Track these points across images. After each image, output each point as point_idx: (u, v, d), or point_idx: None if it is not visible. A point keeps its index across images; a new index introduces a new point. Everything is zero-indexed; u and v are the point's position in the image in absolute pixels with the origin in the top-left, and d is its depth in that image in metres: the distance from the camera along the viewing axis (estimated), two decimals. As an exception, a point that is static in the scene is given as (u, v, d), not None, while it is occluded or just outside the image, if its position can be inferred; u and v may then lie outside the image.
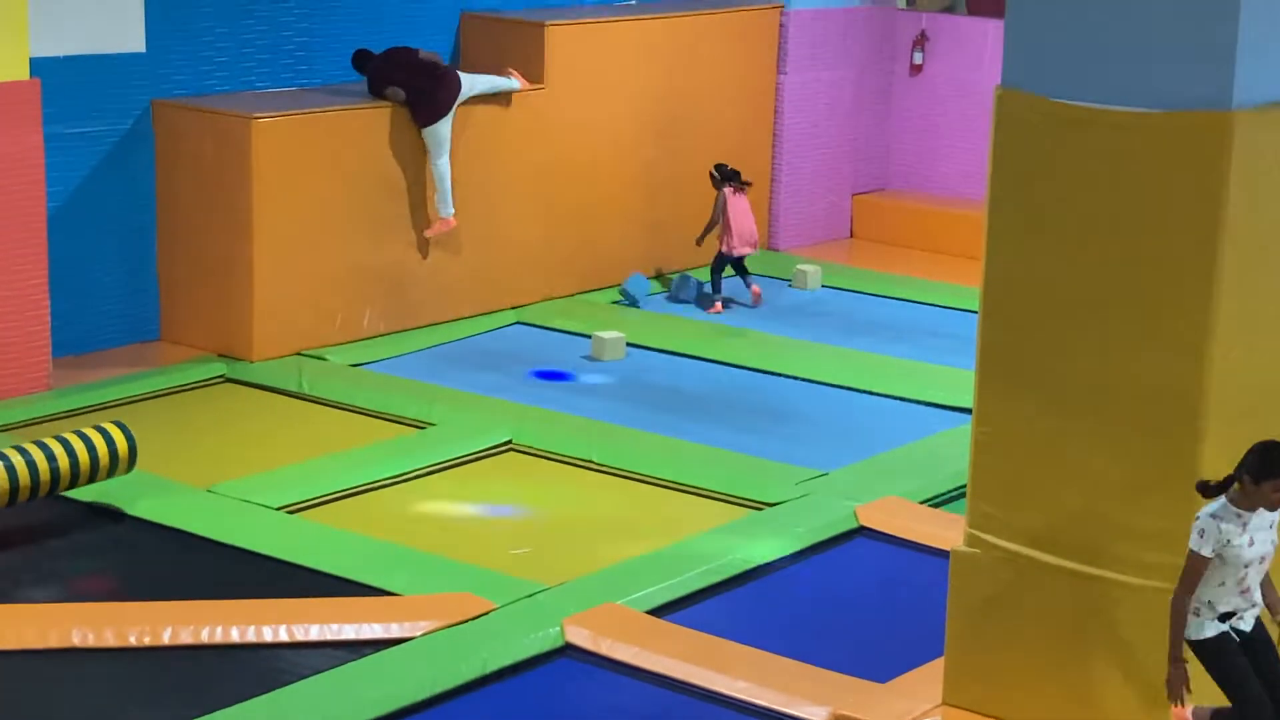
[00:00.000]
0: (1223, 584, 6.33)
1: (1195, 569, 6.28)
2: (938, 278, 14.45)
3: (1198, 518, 6.29)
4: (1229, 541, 6.24)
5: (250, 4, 12.40)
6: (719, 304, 13.52)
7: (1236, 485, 6.26)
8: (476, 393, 11.36)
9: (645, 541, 9.16)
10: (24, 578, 8.66)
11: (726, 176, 13.55)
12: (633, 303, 13.56)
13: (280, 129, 11.80)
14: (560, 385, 11.72)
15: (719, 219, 13.53)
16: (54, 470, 8.89)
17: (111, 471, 9.16)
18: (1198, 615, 6.35)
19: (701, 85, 14.51)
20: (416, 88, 12.36)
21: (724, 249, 13.53)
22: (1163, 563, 6.65)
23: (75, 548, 9.12)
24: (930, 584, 8.25)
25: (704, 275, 13.81)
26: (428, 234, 12.59)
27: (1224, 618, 6.36)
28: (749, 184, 13.68)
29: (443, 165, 12.44)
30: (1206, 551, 6.24)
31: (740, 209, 13.52)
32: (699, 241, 13.69)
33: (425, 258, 12.70)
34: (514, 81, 12.97)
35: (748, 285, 13.65)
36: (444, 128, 12.42)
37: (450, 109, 12.42)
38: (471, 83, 12.66)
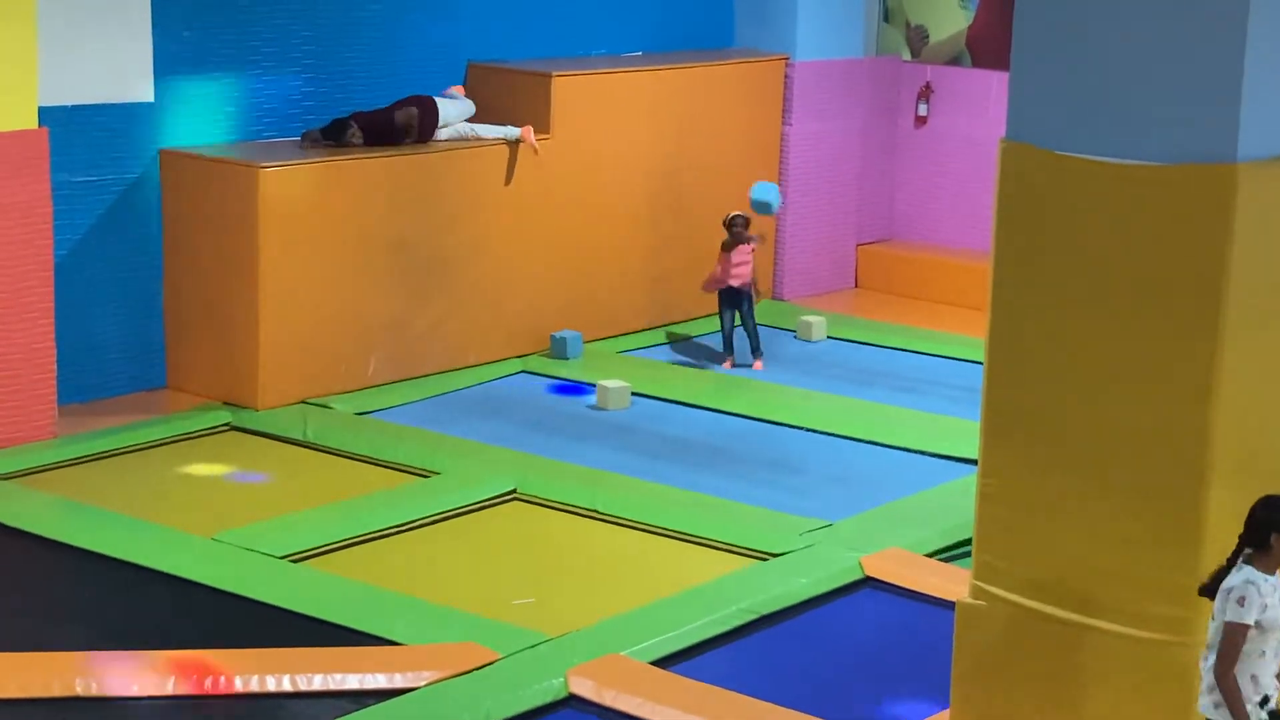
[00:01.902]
0: (1263, 654, 6.05)
1: (1236, 642, 5.96)
2: (942, 328, 14.46)
3: (1230, 588, 6.00)
4: (1267, 606, 5.98)
5: (257, 54, 12.46)
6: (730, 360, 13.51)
7: (1250, 551, 6.04)
8: (481, 441, 11.36)
9: (649, 592, 9.14)
10: (27, 626, 8.65)
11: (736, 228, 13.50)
12: (765, 210, 13.40)
13: (286, 178, 11.84)
14: (574, 408, 11.72)
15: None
16: None
17: None
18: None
19: (707, 136, 14.56)
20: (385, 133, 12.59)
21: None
22: (1168, 615, 6.63)
23: (78, 596, 9.11)
24: (935, 635, 8.23)
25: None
26: (525, 135, 12.90)
27: (1263, 702, 6.05)
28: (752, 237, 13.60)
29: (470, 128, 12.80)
30: (1250, 619, 5.95)
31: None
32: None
33: (430, 306, 12.72)
34: (512, 130, 13.03)
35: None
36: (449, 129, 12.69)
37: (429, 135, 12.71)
38: (457, 118, 12.84)
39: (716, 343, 13.80)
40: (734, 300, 13.44)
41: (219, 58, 12.25)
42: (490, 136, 12.99)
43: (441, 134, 12.85)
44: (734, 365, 13.42)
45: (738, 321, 13.53)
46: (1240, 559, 6.10)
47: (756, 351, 13.46)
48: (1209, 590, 6.14)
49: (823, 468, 11.29)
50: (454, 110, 12.96)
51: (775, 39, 15.24)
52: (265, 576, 9.15)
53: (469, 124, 12.96)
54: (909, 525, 10.03)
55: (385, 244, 12.42)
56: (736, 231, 13.44)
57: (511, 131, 13.08)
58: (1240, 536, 6.11)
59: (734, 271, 13.37)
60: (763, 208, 13.54)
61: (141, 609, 8.92)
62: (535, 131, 13.18)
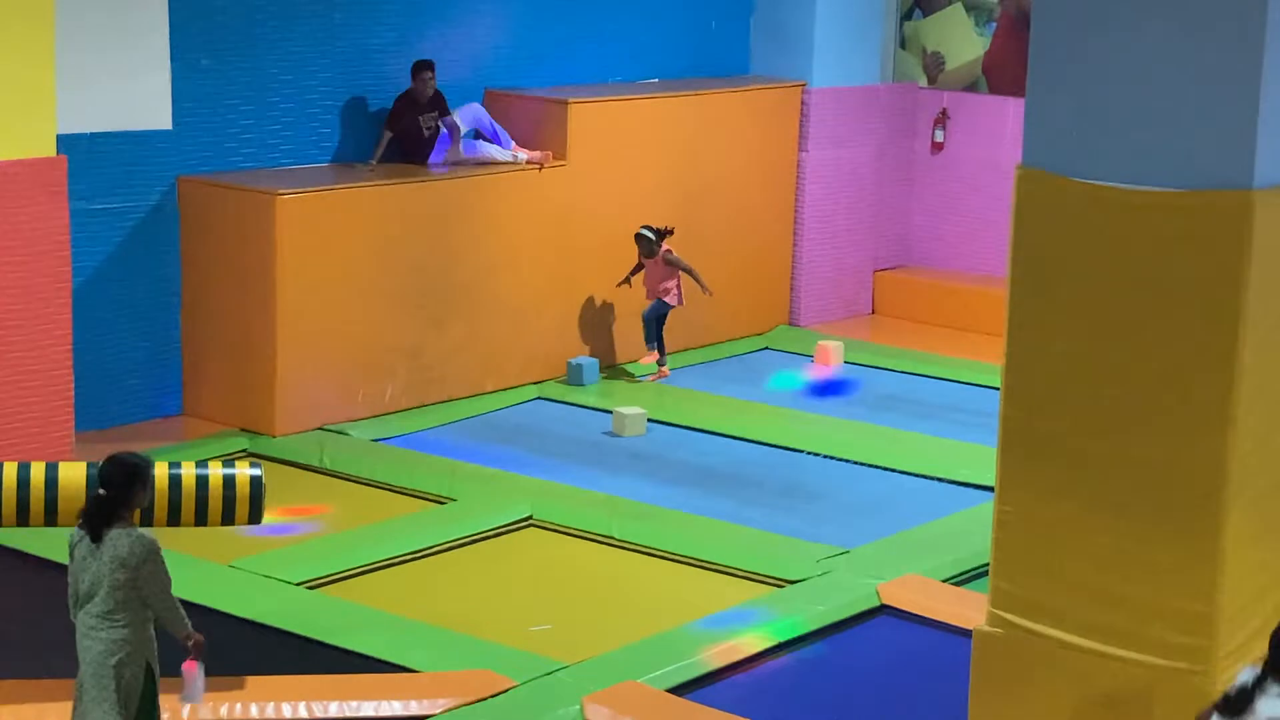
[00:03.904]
0: None
1: None
2: (959, 354, 14.45)
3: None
4: None
5: (275, 82, 12.50)
6: (661, 362, 13.51)
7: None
8: (497, 468, 11.36)
9: (666, 619, 9.12)
10: (39, 654, 8.65)
11: (661, 235, 13.49)
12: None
13: (304, 205, 11.87)
14: (590, 435, 11.71)
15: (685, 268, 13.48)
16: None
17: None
18: None
19: (723, 162, 14.58)
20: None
21: (676, 302, 13.51)
22: (1186, 644, 6.61)
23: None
24: (953, 663, 8.20)
25: (733, 349, 13.69)
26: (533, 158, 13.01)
27: None
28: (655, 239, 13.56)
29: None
30: None
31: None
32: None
33: (446, 333, 12.74)
34: (520, 154, 13.10)
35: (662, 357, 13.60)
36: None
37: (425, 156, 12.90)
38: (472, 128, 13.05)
39: (731, 366, 13.81)
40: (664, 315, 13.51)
41: (237, 85, 12.29)
42: (501, 158, 13.03)
43: (454, 153, 12.92)
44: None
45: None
46: (1271, 680, 5.79)
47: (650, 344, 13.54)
48: (1237, 704, 5.81)
49: (839, 494, 11.27)
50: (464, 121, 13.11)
51: (791, 66, 15.26)
52: (281, 603, 9.15)
53: (481, 142, 13.06)
54: (926, 552, 10.00)
55: (402, 270, 12.44)
56: (650, 247, 13.41)
57: (520, 155, 13.12)
58: (1265, 662, 5.81)
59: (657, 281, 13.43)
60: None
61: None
62: (552, 157, 13.25)
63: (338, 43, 12.79)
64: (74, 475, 8.21)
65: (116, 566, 6.60)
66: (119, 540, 6.61)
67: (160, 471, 8.21)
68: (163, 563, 6.73)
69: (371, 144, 12.93)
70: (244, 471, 8.39)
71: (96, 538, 6.64)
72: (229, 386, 12.03)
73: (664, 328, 13.62)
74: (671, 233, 13.55)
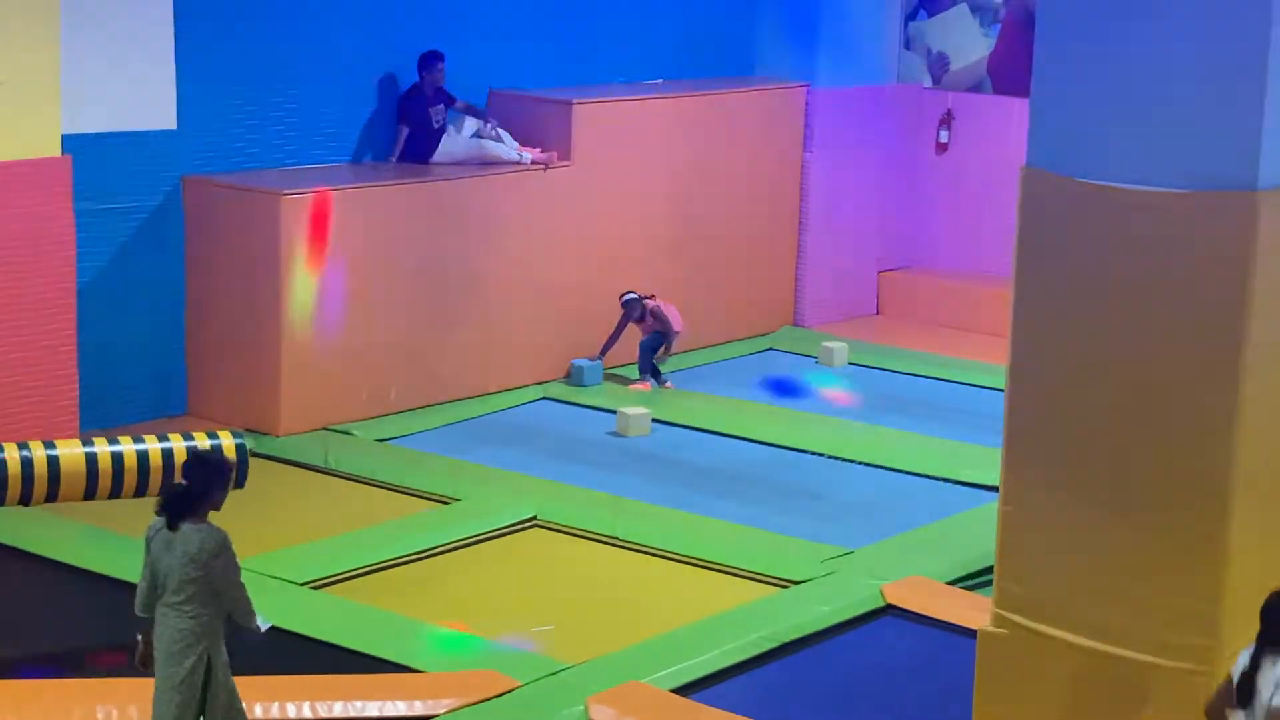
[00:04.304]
0: None
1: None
2: (964, 355, 14.44)
3: None
4: None
5: (279, 82, 12.51)
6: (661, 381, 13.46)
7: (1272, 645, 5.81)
8: (502, 468, 11.36)
9: (670, 619, 9.12)
10: (47, 653, 8.66)
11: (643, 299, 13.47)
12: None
13: (308, 205, 11.87)
14: (594, 435, 11.71)
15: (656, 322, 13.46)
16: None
17: None
18: None
19: (727, 163, 14.58)
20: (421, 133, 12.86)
21: (679, 328, 13.48)
22: (1191, 644, 6.60)
23: (97, 622, 9.11)
24: (957, 664, 8.19)
25: (730, 351, 13.69)
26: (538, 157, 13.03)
27: None
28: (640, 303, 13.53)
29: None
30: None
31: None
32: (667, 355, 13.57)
33: (451, 333, 12.74)
34: (523, 154, 13.11)
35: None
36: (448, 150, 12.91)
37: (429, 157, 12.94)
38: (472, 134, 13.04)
39: (730, 369, 13.80)
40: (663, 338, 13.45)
41: (241, 85, 12.29)
42: (504, 155, 13.03)
43: (458, 144, 12.92)
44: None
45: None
46: (1266, 653, 5.84)
47: (643, 373, 13.42)
48: (1242, 691, 5.82)
49: (844, 495, 11.27)
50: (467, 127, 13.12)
51: (796, 67, 15.26)
52: (286, 603, 9.14)
53: (482, 137, 13.07)
54: (930, 553, 10.00)
55: (407, 271, 12.44)
56: (637, 313, 13.39)
57: (526, 155, 13.12)
58: (1260, 635, 5.87)
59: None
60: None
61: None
62: (557, 158, 13.26)
63: (342, 42, 12.80)
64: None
65: (187, 562, 6.72)
66: (190, 537, 6.73)
67: (152, 445, 9.00)
68: (234, 556, 6.83)
69: (376, 142, 12.92)
70: (229, 441, 9.56)
71: (173, 527, 6.75)
72: (233, 386, 12.03)
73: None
74: (652, 297, 13.53)
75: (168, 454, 9.32)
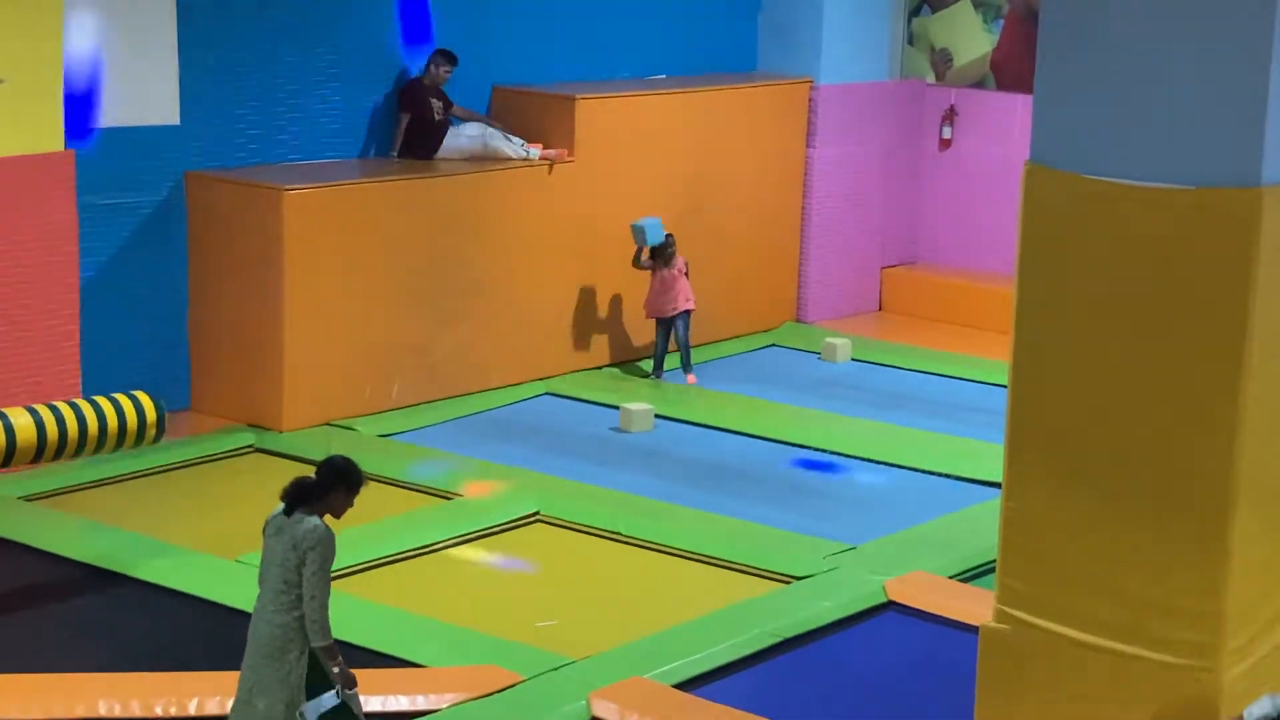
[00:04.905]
0: None
1: None
2: (967, 351, 14.44)
3: None
4: None
5: (282, 77, 12.51)
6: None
7: None
8: (504, 464, 11.37)
9: (672, 615, 9.13)
10: (51, 648, 8.67)
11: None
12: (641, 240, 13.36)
13: (312, 201, 11.88)
14: (597, 431, 11.71)
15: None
16: (82, 429, 9.11)
17: (139, 438, 9.36)
18: None
19: (731, 159, 14.58)
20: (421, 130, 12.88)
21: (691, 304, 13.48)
22: (1193, 640, 6.60)
23: (100, 617, 9.12)
24: (959, 660, 8.20)
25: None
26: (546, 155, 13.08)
27: None
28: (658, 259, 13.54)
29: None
30: None
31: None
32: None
33: (454, 329, 12.75)
34: (530, 150, 13.11)
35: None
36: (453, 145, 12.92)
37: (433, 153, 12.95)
38: (481, 133, 13.01)
39: (732, 365, 13.80)
40: (671, 320, 13.39)
41: (244, 81, 12.30)
42: (511, 152, 13.03)
43: (462, 141, 12.93)
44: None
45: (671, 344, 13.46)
46: None
47: (689, 367, 13.40)
48: None
49: (846, 491, 11.27)
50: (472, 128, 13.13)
51: (799, 62, 15.26)
52: (288, 598, 9.15)
53: (488, 131, 13.08)
54: (933, 549, 10.00)
55: (410, 266, 12.45)
56: (670, 252, 13.36)
57: (533, 151, 13.13)
58: None
59: (684, 291, 13.33)
60: (640, 235, 13.43)
61: (165, 630, 8.93)
62: (560, 154, 13.26)
63: (346, 38, 12.80)
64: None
65: (289, 547, 6.75)
66: (298, 524, 6.77)
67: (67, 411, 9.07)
68: (328, 561, 6.79)
69: (380, 138, 12.93)
70: (147, 401, 9.48)
71: (288, 511, 6.81)
72: (236, 382, 12.04)
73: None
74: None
75: (79, 414, 9.15)
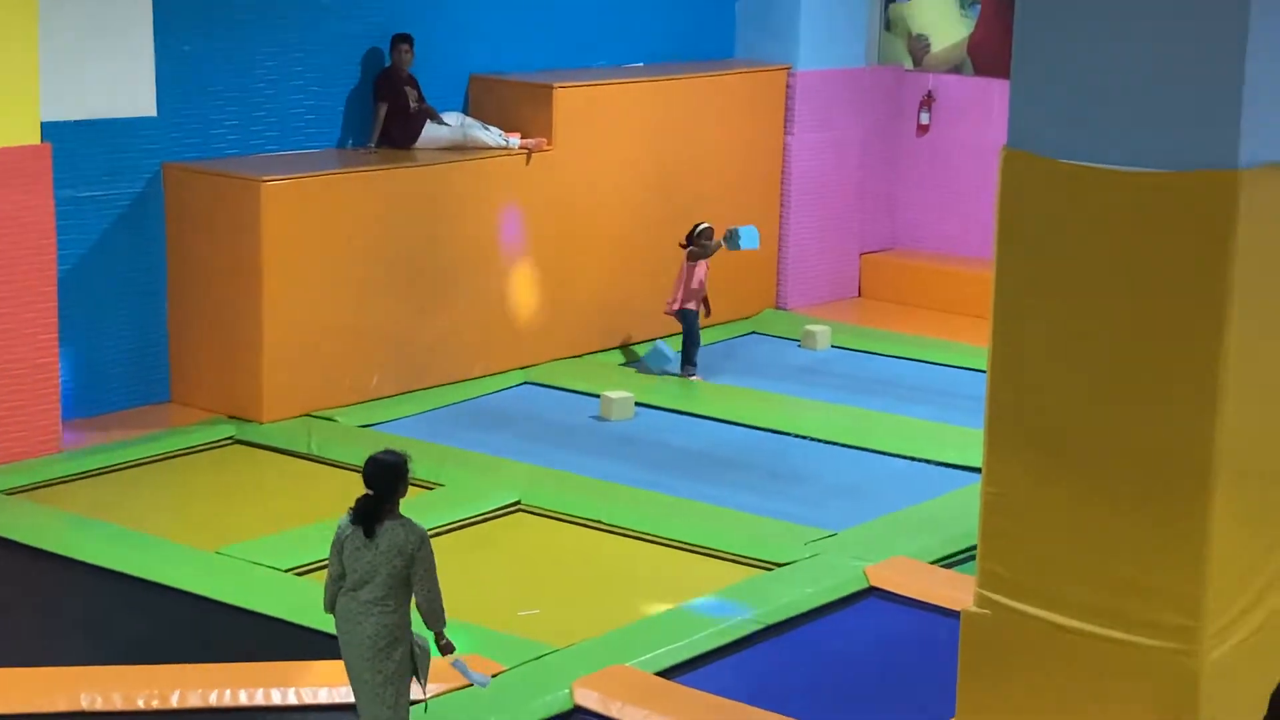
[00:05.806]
0: None
1: None
2: (946, 337, 14.46)
3: None
4: None
5: (259, 69, 12.47)
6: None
7: None
8: (485, 453, 11.36)
9: (654, 603, 9.14)
10: (31, 641, 8.65)
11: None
12: (648, 372, 13.43)
13: (289, 192, 11.85)
14: (578, 419, 11.71)
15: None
16: None
17: None
18: None
19: (709, 146, 14.58)
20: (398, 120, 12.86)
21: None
22: (1174, 623, 6.62)
23: (82, 610, 9.11)
24: (941, 645, 8.22)
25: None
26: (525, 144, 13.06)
27: None
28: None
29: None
30: None
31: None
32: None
33: (433, 319, 12.73)
34: (510, 140, 13.09)
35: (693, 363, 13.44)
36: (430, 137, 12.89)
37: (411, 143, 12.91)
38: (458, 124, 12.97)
39: (712, 353, 13.79)
40: (692, 314, 13.35)
41: (221, 72, 12.26)
42: (490, 141, 13.01)
43: (442, 131, 12.91)
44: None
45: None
46: None
47: (692, 363, 13.35)
48: None
49: (827, 477, 11.28)
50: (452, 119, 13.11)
51: (777, 49, 15.25)
52: (269, 590, 9.15)
53: (466, 121, 13.06)
54: (913, 534, 10.02)
55: (389, 256, 12.43)
56: (705, 243, 13.36)
57: (512, 140, 13.12)
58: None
59: (702, 284, 13.33)
60: (734, 241, 13.39)
61: (146, 623, 8.92)
62: (539, 142, 13.24)
63: (322, 28, 12.77)
64: None
65: (394, 554, 6.89)
66: (395, 531, 6.92)
67: None
68: (432, 552, 6.99)
69: (357, 128, 12.91)
70: None
71: (370, 534, 6.92)
72: (216, 373, 12.01)
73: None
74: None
75: None
